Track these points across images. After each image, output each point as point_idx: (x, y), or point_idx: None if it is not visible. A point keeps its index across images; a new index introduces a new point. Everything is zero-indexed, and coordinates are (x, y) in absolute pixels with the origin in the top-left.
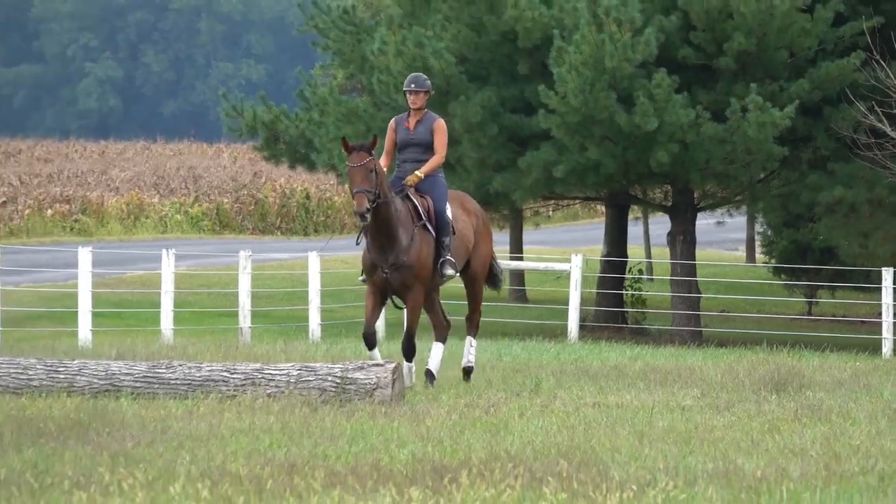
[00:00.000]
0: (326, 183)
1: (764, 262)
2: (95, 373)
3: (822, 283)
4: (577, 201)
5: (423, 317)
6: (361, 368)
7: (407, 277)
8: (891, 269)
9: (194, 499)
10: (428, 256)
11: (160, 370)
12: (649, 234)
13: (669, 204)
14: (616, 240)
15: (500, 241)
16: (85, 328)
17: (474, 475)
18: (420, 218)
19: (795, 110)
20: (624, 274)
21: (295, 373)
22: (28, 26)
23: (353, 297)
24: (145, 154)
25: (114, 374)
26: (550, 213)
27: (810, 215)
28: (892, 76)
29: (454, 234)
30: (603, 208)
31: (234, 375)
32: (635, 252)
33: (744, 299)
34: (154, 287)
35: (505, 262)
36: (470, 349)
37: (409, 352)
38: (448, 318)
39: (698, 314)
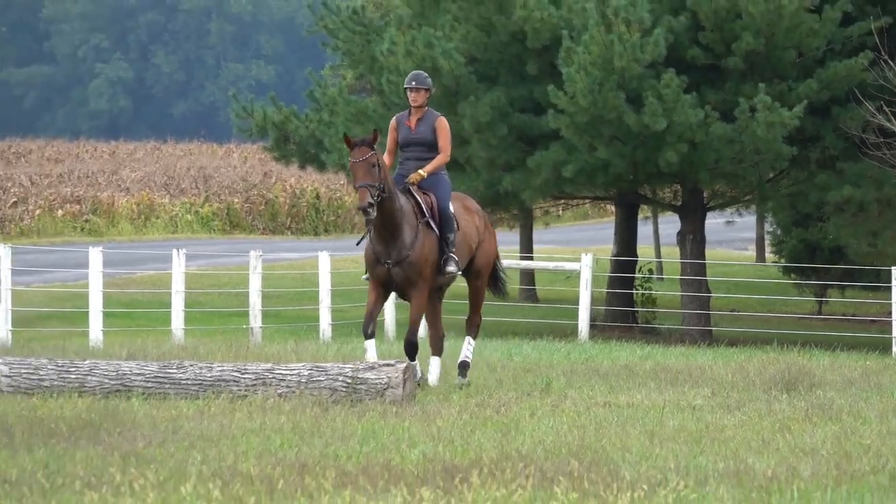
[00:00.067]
0: (336, 183)
1: (773, 262)
2: (106, 373)
3: (832, 282)
4: (587, 201)
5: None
6: (372, 368)
7: (411, 273)
8: None
9: (205, 499)
10: (431, 253)
11: (171, 370)
12: (659, 234)
13: (679, 203)
14: (626, 239)
15: (511, 241)
16: (96, 328)
17: (485, 475)
18: (424, 215)
19: (804, 110)
20: (634, 273)
21: (306, 373)
22: (39, 27)
23: (364, 296)
24: (156, 154)
25: (125, 374)
26: (560, 212)
27: (819, 215)
28: None
29: (458, 228)
30: (613, 208)
31: (245, 375)
32: (645, 251)
33: (754, 298)
34: (165, 287)
35: (515, 262)
36: (468, 346)
37: (411, 351)
38: (443, 331)
39: (708, 313)
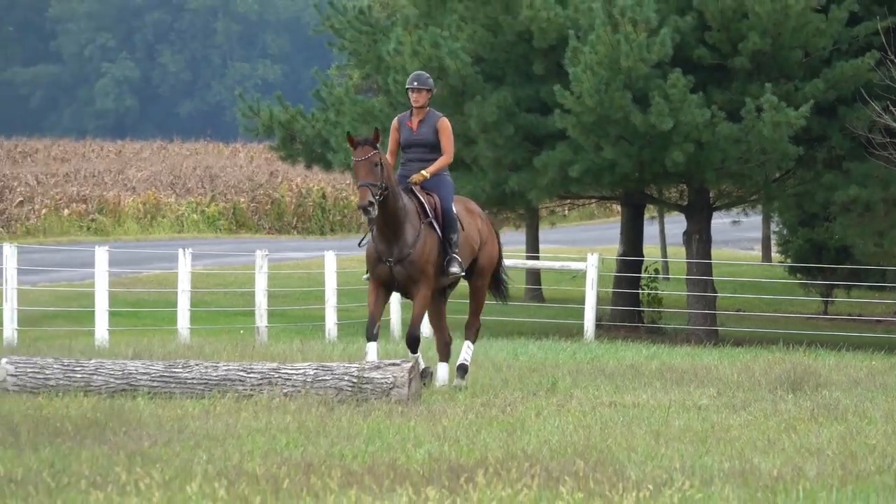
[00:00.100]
0: (343, 182)
1: (780, 262)
2: (112, 372)
3: (838, 282)
4: (593, 201)
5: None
6: (378, 368)
7: (412, 271)
8: None
9: (211, 498)
10: (432, 251)
11: (177, 370)
12: (665, 234)
13: (685, 203)
14: (632, 239)
15: (516, 241)
16: (101, 327)
17: (491, 475)
18: (427, 215)
19: (810, 110)
20: (640, 273)
21: (311, 372)
22: (45, 27)
23: None
24: (162, 154)
25: (130, 373)
26: (566, 212)
27: (826, 214)
28: None
29: (462, 229)
30: (619, 208)
31: (251, 375)
32: (651, 251)
33: (760, 298)
34: (171, 286)
35: (521, 262)
36: (467, 350)
37: (413, 344)
38: (450, 334)
39: (714, 313)
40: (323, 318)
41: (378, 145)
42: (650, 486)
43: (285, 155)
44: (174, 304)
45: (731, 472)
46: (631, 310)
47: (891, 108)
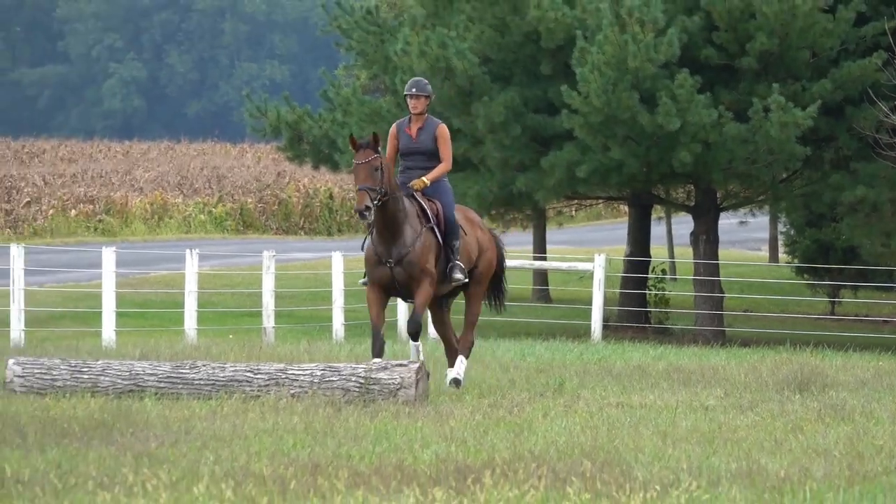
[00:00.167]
0: (350, 183)
1: (787, 262)
2: (119, 373)
3: (845, 282)
4: (601, 201)
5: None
6: (385, 369)
7: (413, 271)
8: None
9: (218, 499)
10: (431, 252)
11: (184, 370)
12: (672, 234)
13: (692, 204)
14: (639, 239)
15: (524, 241)
16: (109, 328)
17: (498, 475)
18: (428, 220)
19: (817, 110)
20: (647, 274)
21: (319, 373)
22: (53, 27)
23: None
24: (169, 154)
25: (138, 374)
26: (574, 212)
27: (833, 215)
28: None
29: (465, 234)
30: (626, 208)
31: (258, 376)
32: (658, 252)
33: (767, 299)
34: (178, 287)
35: (528, 262)
36: (461, 364)
37: (414, 332)
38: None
39: (721, 314)
40: (330, 319)
41: (379, 149)
42: (657, 487)
43: (292, 155)
44: (181, 305)
45: (739, 472)
46: (638, 310)
47: None
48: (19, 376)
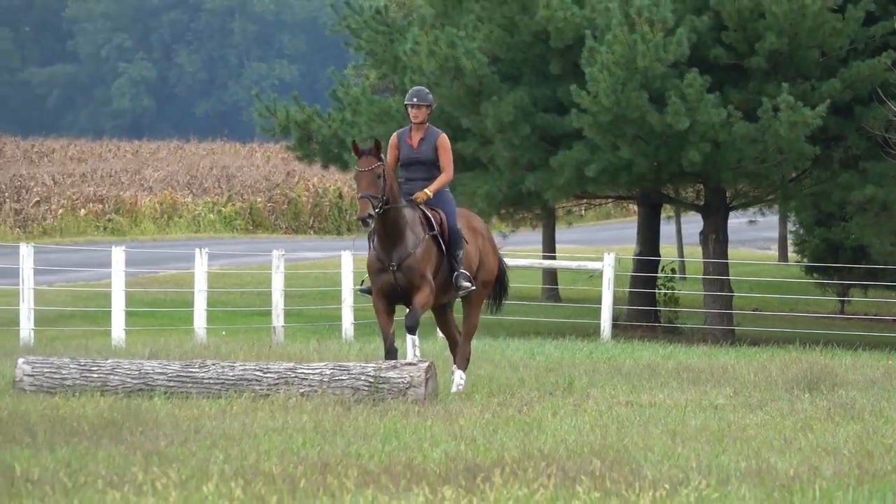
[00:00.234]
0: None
1: (796, 261)
2: (129, 372)
3: (855, 281)
4: (610, 200)
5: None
6: (394, 367)
7: (413, 277)
8: None
9: (227, 498)
10: (431, 260)
11: (193, 369)
12: (682, 233)
13: (702, 203)
14: (648, 239)
15: (533, 241)
16: (118, 327)
17: (507, 474)
18: (432, 228)
19: (827, 109)
20: (656, 273)
21: (328, 372)
22: (62, 27)
23: None
24: (178, 154)
25: (147, 373)
26: (583, 212)
27: (842, 214)
28: None
29: (467, 242)
30: (635, 207)
31: (268, 375)
32: (668, 251)
33: (776, 298)
34: (187, 286)
35: (538, 262)
36: (460, 379)
37: (412, 326)
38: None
39: (731, 313)
40: (339, 318)
41: (382, 156)
42: (667, 486)
43: (302, 155)
44: (191, 304)
45: (748, 471)
46: (647, 309)
47: None
48: (29, 375)
